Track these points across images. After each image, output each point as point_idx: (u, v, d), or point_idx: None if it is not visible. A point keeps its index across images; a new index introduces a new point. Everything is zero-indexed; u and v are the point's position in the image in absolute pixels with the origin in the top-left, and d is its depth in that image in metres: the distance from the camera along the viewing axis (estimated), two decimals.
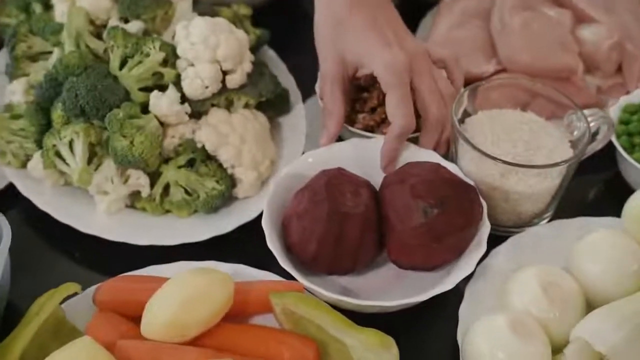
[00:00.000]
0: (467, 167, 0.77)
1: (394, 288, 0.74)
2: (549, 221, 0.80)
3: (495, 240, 0.75)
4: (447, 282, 0.68)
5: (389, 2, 0.82)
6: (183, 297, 0.63)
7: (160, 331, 0.62)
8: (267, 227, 0.71)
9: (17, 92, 0.82)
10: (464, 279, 0.71)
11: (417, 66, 0.77)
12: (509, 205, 0.77)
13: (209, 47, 0.78)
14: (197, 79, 0.78)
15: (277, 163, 0.84)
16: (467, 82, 0.87)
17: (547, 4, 0.97)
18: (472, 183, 0.73)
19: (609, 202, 0.85)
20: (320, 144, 0.79)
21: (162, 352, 0.61)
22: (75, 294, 0.67)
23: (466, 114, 0.81)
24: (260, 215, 0.73)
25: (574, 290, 0.67)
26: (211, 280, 0.65)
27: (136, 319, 0.65)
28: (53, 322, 0.65)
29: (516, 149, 0.76)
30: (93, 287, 0.69)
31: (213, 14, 0.85)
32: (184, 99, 0.79)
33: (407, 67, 0.75)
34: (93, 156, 0.77)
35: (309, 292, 0.69)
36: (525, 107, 0.83)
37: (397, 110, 0.75)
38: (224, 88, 0.81)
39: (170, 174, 0.78)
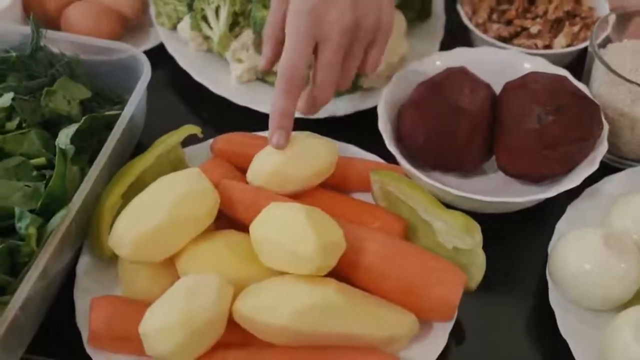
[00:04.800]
0: (597, 90, 0.74)
1: (496, 195, 0.73)
2: None
3: (612, 170, 0.72)
4: (550, 191, 0.67)
5: None
6: (289, 151, 0.66)
7: (264, 178, 0.66)
8: (382, 111, 0.73)
9: None
10: (570, 198, 0.69)
11: (326, 34, 0.66)
12: (635, 135, 0.73)
13: None
14: None
15: (405, 63, 0.85)
16: None
17: None
18: (597, 103, 0.71)
19: None
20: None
21: (261, 196, 0.65)
22: (196, 139, 0.73)
23: (608, 40, 0.78)
24: None
25: None
26: (318, 142, 0.68)
27: (244, 172, 0.69)
28: (173, 158, 0.71)
29: None
30: (211, 139, 0.74)
31: None
32: None
33: (311, 25, 0.66)
34: (235, 25, 0.82)
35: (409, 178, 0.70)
36: None
37: (284, 52, 0.67)
38: None
39: None
